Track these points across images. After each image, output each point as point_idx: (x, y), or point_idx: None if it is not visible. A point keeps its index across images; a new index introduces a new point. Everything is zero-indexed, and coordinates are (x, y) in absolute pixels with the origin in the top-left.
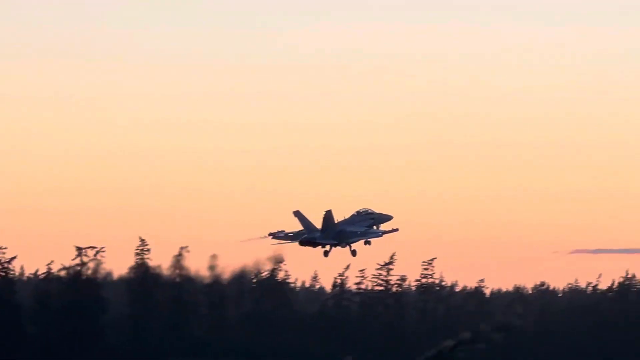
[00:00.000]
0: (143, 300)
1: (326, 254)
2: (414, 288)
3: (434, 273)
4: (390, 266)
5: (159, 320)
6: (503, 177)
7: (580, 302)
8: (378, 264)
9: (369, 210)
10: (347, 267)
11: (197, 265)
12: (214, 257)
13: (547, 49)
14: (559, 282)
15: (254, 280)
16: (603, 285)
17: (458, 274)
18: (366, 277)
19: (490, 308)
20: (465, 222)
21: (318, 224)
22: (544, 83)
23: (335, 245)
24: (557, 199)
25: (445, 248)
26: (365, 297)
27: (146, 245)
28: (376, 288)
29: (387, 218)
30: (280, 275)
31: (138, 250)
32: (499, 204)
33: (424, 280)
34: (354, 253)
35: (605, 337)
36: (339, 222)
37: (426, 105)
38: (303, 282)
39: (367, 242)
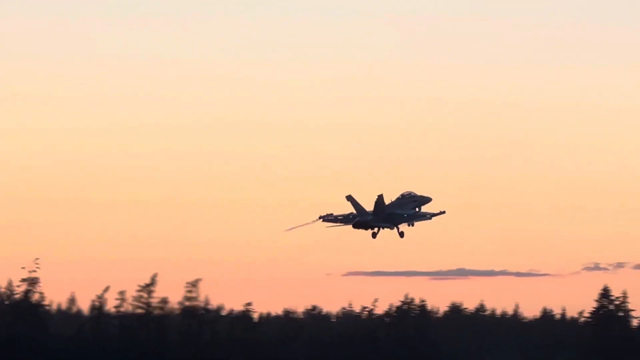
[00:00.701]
0: None
1: (374, 235)
2: (178, 311)
3: (198, 295)
4: (152, 288)
5: None
6: (272, 192)
7: (354, 327)
8: (139, 286)
9: (412, 193)
10: (107, 289)
11: None
12: None
13: None
14: (332, 306)
15: (6, 302)
16: (379, 310)
17: (225, 296)
18: (126, 300)
19: (258, 333)
20: (233, 241)
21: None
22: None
23: (384, 227)
24: None
25: (211, 268)
26: (125, 321)
27: None
28: (137, 311)
29: (428, 200)
30: (35, 297)
31: None
32: (267, 220)
33: (187, 303)
34: (401, 235)
35: None
36: (387, 205)
37: None
38: (59, 305)
39: (411, 224)
